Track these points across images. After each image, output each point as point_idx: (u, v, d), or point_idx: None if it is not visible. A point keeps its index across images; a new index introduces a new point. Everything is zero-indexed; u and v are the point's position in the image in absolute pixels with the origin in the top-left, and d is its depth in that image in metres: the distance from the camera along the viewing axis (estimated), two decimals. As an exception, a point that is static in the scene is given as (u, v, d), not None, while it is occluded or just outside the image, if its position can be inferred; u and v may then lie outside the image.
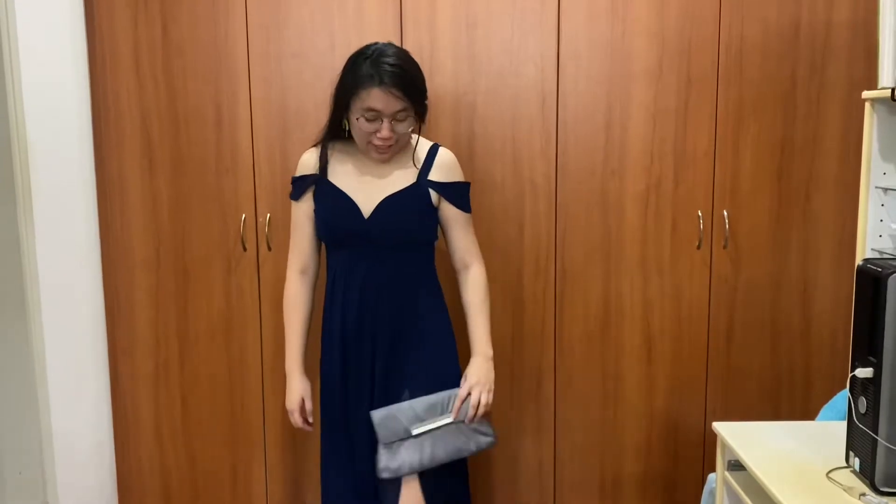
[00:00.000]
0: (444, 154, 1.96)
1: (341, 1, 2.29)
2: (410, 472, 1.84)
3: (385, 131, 1.81)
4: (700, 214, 2.35)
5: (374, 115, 1.81)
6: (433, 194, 1.93)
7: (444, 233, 2.00)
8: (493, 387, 1.93)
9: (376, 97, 1.79)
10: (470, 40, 2.31)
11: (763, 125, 2.32)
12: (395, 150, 1.89)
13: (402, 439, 1.85)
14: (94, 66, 2.32)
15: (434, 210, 1.94)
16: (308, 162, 1.98)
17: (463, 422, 1.89)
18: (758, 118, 2.32)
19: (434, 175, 1.93)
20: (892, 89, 1.62)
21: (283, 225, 2.36)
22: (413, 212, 1.91)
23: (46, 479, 2.22)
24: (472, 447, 1.91)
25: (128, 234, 2.39)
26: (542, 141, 2.34)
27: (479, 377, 1.91)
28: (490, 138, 2.34)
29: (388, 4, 2.28)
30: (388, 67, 1.78)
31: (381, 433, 1.85)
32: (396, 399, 1.90)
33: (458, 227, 1.97)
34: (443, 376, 1.94)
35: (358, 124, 1.84)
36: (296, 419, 2.00)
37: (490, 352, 1.95)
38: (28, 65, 2.10)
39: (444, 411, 1.88)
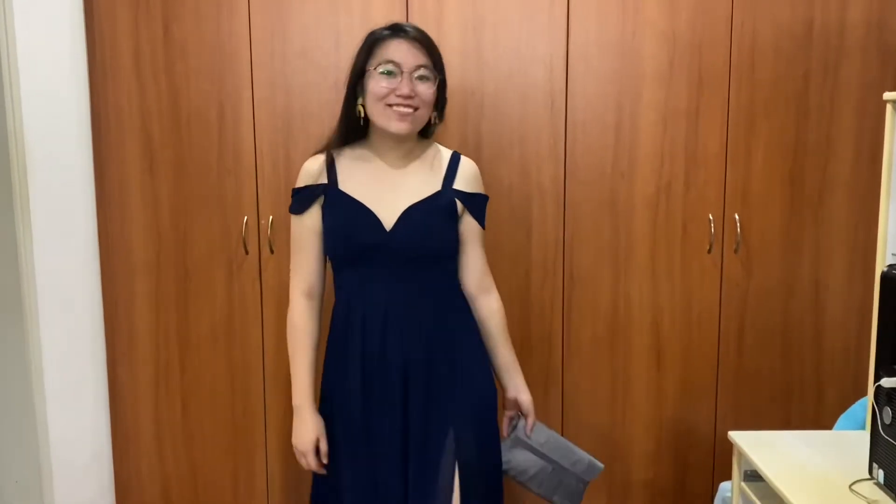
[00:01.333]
0: (467, 163, 1.82)
1: (347, 0, 2.24)
2: (519, 477, 1.87)
3: (405, 86, 1.64)
4: (711, 218, 2.31)
5: (393, 69, 1.66)
6: (458, 204, 1.76)
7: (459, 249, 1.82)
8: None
9: (395, 48, 1.66)
10: (477, 40, 2.26)
11: (775, 127, 2.28)
12: (416, 123, 1.70)
13: (527, 444, 1.87)
14: (93, 66, 2.27)
15: (457, 221, 1.77)
16: (312, 170, 1.76)
17: (572, 480, 1.91)
18: (770, 120, 2.28)
19: (459, 184, 1.77)
20: (915, 91, 1.58)
21: (285, 228, 2.30)
22: (439, 222, 1.73)
23: (44, 488, 2.17)
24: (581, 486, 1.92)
25: (128, 237, 2.34)
26: (551, 142, 2.30)
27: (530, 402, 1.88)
28: (497, 140, 2.30)
29: (394, 3, 2.24)
30: (408, 26, 1.71)
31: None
32: (439, 442, 1.72)
33: (475, 244, 1.81)
34: (486, 408, 1.80)
35: (374, 85, 1.67)
36: (310, 461, 1.76)
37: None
38: (26, 66, 2.06)
39: (563, 459, 1.90)
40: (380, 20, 2.20)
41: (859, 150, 2.29)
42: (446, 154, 1.81)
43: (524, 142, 2.30)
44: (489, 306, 1.84)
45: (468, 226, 1.79)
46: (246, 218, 2.32)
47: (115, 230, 2.34)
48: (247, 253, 2.33)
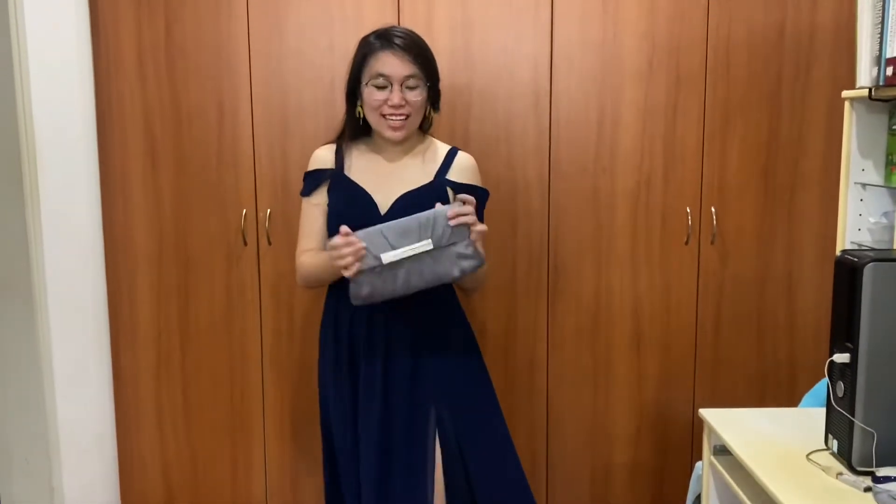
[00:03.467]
0: (463, 157, 1.93)
1: (340, 2, 2.35)
2: (382, 299, 1.73)
3: (395, 97, 1.77)
4: (688, 211, 2.42)
5: (384, 82, 1.78)
6: (450, 194, 1.87)
7: None
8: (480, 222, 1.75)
9: (384, 60, 1.78)
10: (465, 41, 2.37)
11: (749, 124, 2.39)
12: (409, 128, 1.84)
13: (373, 268, 1.69)
14: (98, 65, 2.37)
15: None
16: (323, 157, 1.92)
17: (444, 246, 1.71)
18: (744, 117, 2.39)
19: (452, 175, 1.89)
20: (870, 89, 1.68)
21: (283, 220, 2.41)
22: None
23: (52, 466, 2.26)
24: (456, 272, 1.73)
25: (130, 229, 2.44)
26: (536, 139, 2.41)
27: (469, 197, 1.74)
28: (485, 137, 2.40)
29: (385, 5, 2.34)
30: (397, 35, 1.81)
31: None
32: (422, 421, 1.84)
33: None
34: (474, 393, 1.91)
35: (368, 97, 1.81)
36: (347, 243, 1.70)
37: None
38: (36, 66, 2.15)
39: (421, 237, 1.70)
40: (372, 23, 2.31)
41: (829, 146, 2.39)
42: (443, 149, 1.93)
43: (510, 138, 2.41)
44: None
45: None
46: (244, 210, 2.42)
47: (118, 223, 2.44)
48: (245, 244, 2.43)
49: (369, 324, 1.84)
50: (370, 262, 1.69)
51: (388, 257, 1.68)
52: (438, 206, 1.72)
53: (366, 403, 1.86)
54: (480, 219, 1.85)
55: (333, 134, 2.24)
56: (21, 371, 2.22)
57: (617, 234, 2.44)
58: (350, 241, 1.67)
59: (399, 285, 1.72)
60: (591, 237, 2.44)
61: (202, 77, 2.37)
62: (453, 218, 1.68)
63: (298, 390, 2.49)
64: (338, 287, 1.89)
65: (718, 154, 2.40)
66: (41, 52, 2.17)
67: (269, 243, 2.43)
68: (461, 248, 1.72)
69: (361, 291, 1.71)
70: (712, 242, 2.43)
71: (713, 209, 2.42)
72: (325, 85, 2.37)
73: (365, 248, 1.67)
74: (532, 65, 2.38)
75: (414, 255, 1.70)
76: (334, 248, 1.68)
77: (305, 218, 1.92)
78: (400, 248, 1.69)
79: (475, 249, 1.73)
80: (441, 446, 1.86)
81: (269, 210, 2.41)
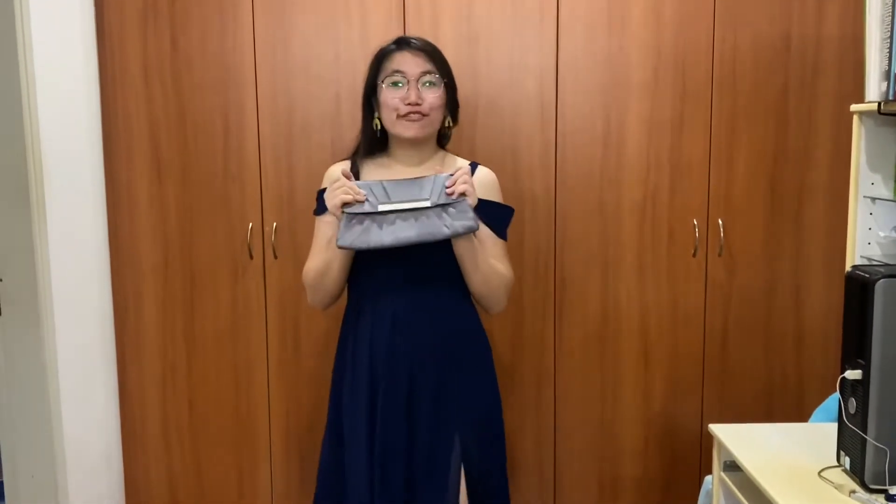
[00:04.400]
0: (483, 171, 1.90)
1: (346, 15, 2.35)
2: (367, 247, 1.72)
3: (412, 93, 1.77)
4: (695, 223, 2.41)
5: (400, 79, 1.78)
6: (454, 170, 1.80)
7: None
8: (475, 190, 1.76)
9: (400, 59, 1.80)
10: (471, 54, 2.37)
11: (756, 136, 2.39)
12: (427, 127, 1.81)
13: (367, 214, 1.72)
14: (104, 78, 2.37)
15: None
16: (336, 174, 1.84)
17: (441, 206, 1.73)
18: (751, 129, 2.38)
19: None
20: (879, 103, 1.68)
21: (289, 234, 2.41)
22: None
23: (58, 482, 2.26)
24: (447, 231, 1.71)
25: (136, 242, 2.44)
26: (542, 152, 2.40)
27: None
28: (491, 150, 2.40)
29: (391, 18, 2.34)
30: (412, 39, 1.84)
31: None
32: (446, 447, 1.80)
33: (488, 251, 1.82)
34: (490, 411, 1.88)
35: (384, 97, 1.79)
36: (345, 181, 1.74)
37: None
38: (42, 78, 2.15)
39: (421, 195, 1.73)
40: (378, 35, 2.32)
41: (836, 158, 2.38)
42: (463, 164, 1.89)
43: (516, 151, 2.40)
44: None
45: (480, 233, 1.80)
46: (250, 224, 2.41)
47: (124, 235, 2.44)
48: (251, 258, 2.43)
49: (391, 344, 1.79)
50: (366, 207, 1.72)
51: (384, 207, 1.72)
52: (439, 172, 1.76)
53: (385, 425, 1.80)
54: (503, 237, 1.89)
55: (340, 146, 2.26)
56: (28, 387, 2.22)
57: (624, 247, 2.44)
58: (349, 183, 1.71)
59: (387, 236, 1.71)
60: (598, 249, 2.44)
61: (208, 90, 2.38)
62: (451, 185, 1.72)
63: (304, 404, 2.48)
64: (357, 298, 1.86)
65: (725, 166, 2.40)
66: (47, 65, 2.17)
67: (275, 257, 2.42)
68: (458, 208, 1.73)
69: (347, 235, 1.72)
70: (719, 254, 2.43)
71: (720, 221, 2.41)
72: (330, 98, 2.37)
73: (363, 195, 1.72)
74: (538, 77, 2.38)
75: (408, 211, 1.73)
76: (335, 181, 1.73)
77: (318, 236, 1.87)
78: (398, 201, 1.73)
79: (471, 211, 1.72)
80: (466, 477, 1.82)
81: (274, 224, 2.41)
